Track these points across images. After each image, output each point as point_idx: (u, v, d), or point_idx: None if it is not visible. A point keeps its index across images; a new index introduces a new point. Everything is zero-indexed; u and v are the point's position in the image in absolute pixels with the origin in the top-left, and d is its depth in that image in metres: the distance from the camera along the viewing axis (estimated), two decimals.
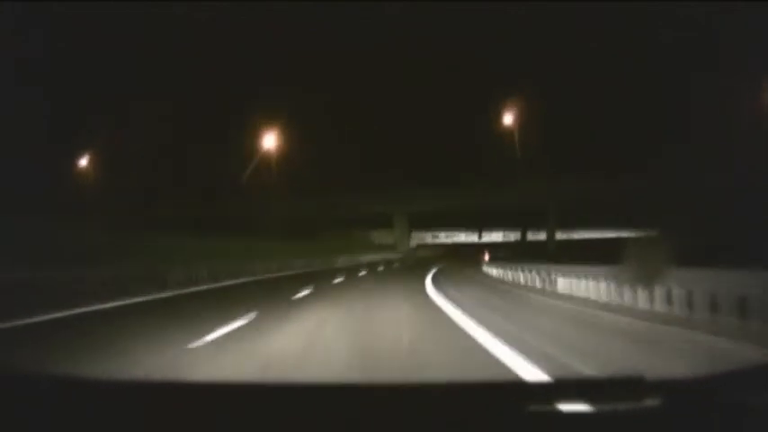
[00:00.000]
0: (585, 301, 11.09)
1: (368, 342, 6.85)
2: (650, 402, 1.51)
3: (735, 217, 25.19)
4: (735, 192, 30.31)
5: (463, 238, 75.95)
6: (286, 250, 37.12)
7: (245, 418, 1.56)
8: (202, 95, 44.88)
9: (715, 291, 7.46)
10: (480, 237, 74.08)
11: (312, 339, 7.20)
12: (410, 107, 57.23)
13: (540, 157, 47.02)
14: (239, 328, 7.75)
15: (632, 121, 47.26)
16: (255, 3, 37.80)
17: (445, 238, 76.66)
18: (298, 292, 14.30)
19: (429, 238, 75.92)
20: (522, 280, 17.42)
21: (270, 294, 15.11)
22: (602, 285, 10.96)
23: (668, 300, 8.55)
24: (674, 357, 5.57)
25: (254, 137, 41.60)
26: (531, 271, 16.75)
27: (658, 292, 8.83)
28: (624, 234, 46.80)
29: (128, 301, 12.43)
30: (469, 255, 49.16)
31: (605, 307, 9.88)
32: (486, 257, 36.12)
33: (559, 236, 58.96)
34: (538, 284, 15.25)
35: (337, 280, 20.60)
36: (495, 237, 72.24)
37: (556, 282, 13.92)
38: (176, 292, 15.64)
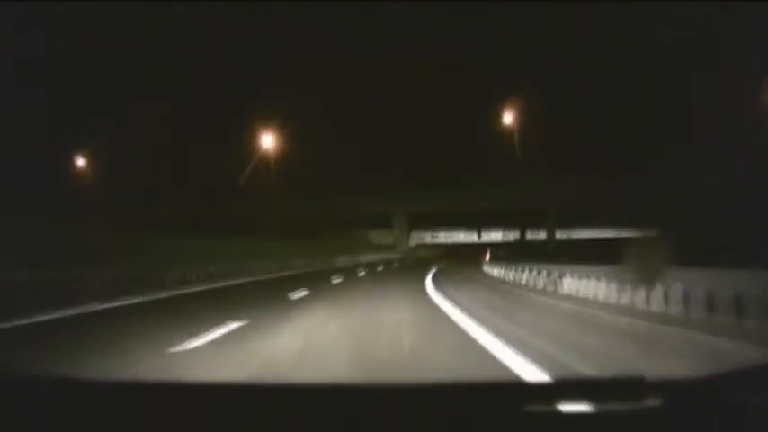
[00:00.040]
0: (585, 301, 11.10)
1: (367, 340, 6.85)
2: (650, 402, 1.50)
3: (735, 217, 25.18)
4: (735, 192, 30.30)
5: (462, 237, 76.00)
6: (286, 250, 37.12)
7: (246, 418, 1.56)
8: (202, 95, 44.91)
9: (715, 291, 7.46)
10: (480, 236, 74.12)
11: (310, 339, 7.20)
12: (410, 107, 57.27)
13: (540, 157, 47.10)
14: (239, 329, 7.75)
15: (632, 121, 47.30)
16: (255, 3, 37.84)
17: (444, 238, 76.72)
18: (296, 291, 14.30)
19: (428, 238, 75.98)
20: (522, 280, 17.43)
21: (269, 294, 15.11)
22: (603, 285, 10.98)
23: (668, 300, 8.55)
24: (674, 357, 5.57)
25: (254, 137, 41.63)
26: (531, 270, 16.76)
27: (659, 292, 8.83)
28: (624, 234, 46.84)
29: (125, 302, 12.43)
30: (469, 255, 49.17)
31: (605, 307, 9.89)
32: (488, 257, 36.16)
33: (559, 235, 59.01)
34: (539, 284, 15.26)
35: (336, 280, 20.61)
36: (495, 236, 72.27)
37: (556, 282, 13.93)
38: (175, 292, 15.65)
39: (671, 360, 5.44)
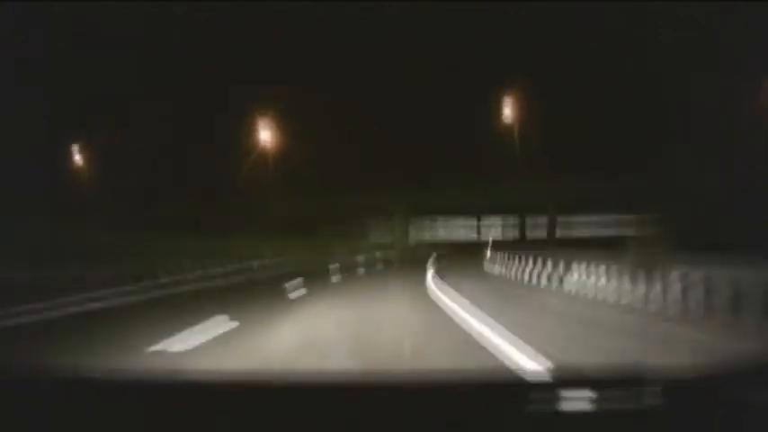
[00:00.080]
0: (585, 297, 11.11)
1: (367, 336, 6.84)
2: (651, 399, 1.50)
3: (735, 217, 25.17)
4: (735, 192, 30.30)
5: (462, 236, 75.93)
6: (286, 249, 37.11)
7: (246, 416, 1.56)
8: (202, 95, 44.86)
9: (715, 289, 7.46)
10: (479, 235, 74.09)
11: (309, 335, 7.19)
12: (410, 107, 57.15)
13: (540, 157, 47.01)
14: (238, 329, 7.75)
15: (632, 121, 47.22)
16: (255, 3, 37.78)
17: (444, 236, 76.65)
18: (296, 290, 14.29)
19: (428, 236, 75.92)
20: (525, 277, 17.46)
21: (268, 294, 15.10)
22: (602, 282, 11.00)
23: (666, 297, 8.55)
24: (674, 354, 5.57)
25: (254, 136, 41.60)
26: (533, 265, 16.83)
27: (658, 289, 8.83)
28: (623, 233, 46.73)
29: (124, 300, 12.42)
30: (469, 252, 49.07)
31: (605, 303, 9.89)
32: (488, 255, 36.19)
33: (559, 235, 58.92)
34: (542, 283, 15.32)
35: (336, 278, 20.60)
36: (494, 235, 72.13)
37: (558, 279, 13.98)
38: (174, 291, 15.65)
39: (671, 357, 5.43)
